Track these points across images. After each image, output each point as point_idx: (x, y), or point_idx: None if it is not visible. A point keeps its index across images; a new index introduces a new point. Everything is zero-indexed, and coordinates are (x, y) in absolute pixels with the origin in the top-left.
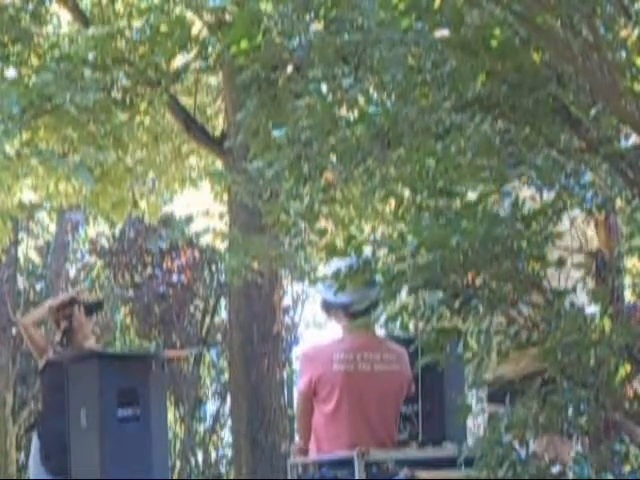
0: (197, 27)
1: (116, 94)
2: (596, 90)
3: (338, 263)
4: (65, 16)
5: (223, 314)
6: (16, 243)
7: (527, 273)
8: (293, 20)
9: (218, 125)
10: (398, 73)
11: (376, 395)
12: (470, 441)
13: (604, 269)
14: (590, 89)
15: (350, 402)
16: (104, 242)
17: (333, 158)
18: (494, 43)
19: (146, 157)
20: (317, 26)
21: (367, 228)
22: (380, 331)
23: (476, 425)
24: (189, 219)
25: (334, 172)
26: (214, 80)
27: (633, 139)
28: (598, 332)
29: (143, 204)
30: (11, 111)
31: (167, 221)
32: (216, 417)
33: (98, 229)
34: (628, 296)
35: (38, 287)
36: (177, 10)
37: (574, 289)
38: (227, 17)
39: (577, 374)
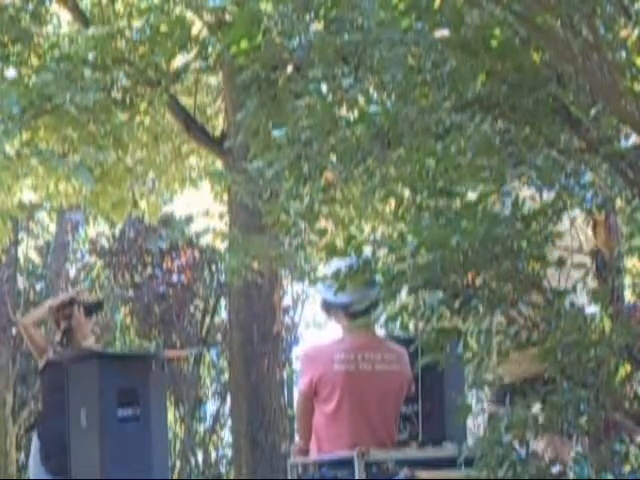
0: (197, 27)
1: (116, 94)
2: (596, 90)
3: (338, 263)
4: (65, 16)
5: (223, 314)
6: (16, 243)
7: (527, 273)
8: (293, 20)
9: (218, 125)
10: (398, 73)
11: (377, 395)
12: (470, 441)
13: (604, 269)
14: (590, 89)
15: (351, 402)
16: (104, 242)
17: (333, 158)
18: (494, 43)
19: (146, 157)
20: (317, 26)
21: (367, 228)
22: (380, 331)
23: (476, 425)
24: (189, 219)
25: (334, 172)
26: (214, 80)
27: (633, 139)
28: (598, 332)
29: (143, 204)
30: (11, 111)
31: (167, 221)
32: (216, 417)
33: (98, 229)
34: (628, 296)
35: (38, 287)
36: (177, 10)
37: (574, 289)
38: (227, 17)
39: (577, 374)
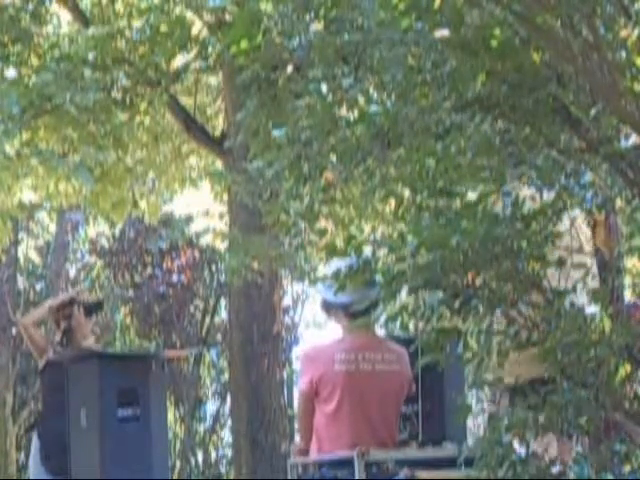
0: (197, 27)
1: (116, 94)
2: (596, 90)
3: (338, 263)
4: (65, 16)
5: (223, 314)
6: (16, 243)
7: (527, 273)
8: (293, 20)
9: (218, 125)
10: (398, 73)
11: (377, 395)
12: (470, 441)
13: (604, 269)
14: (590, 89)
15: (351, 402)
16: (104, 242)
17: (333, 158)
18: (494, 43)
19: (146, 157)
20: (317, 26)
21: (367, 228)
22: (380, 331)
23: (476, 425)
24: (189, 219)
25: (334, 172)
26: (214, 80)
27: (633, 139)
28: (598, 332)
29: (143, 204)
30: (11, 111)
31: (167, 221)
32: (216, 417)
33: (98, 229)
34: (628, 296)
35: (38, 287)
36: (177, 10)
37: (574, 289)
38: (227, 17)
39: (577, 374)
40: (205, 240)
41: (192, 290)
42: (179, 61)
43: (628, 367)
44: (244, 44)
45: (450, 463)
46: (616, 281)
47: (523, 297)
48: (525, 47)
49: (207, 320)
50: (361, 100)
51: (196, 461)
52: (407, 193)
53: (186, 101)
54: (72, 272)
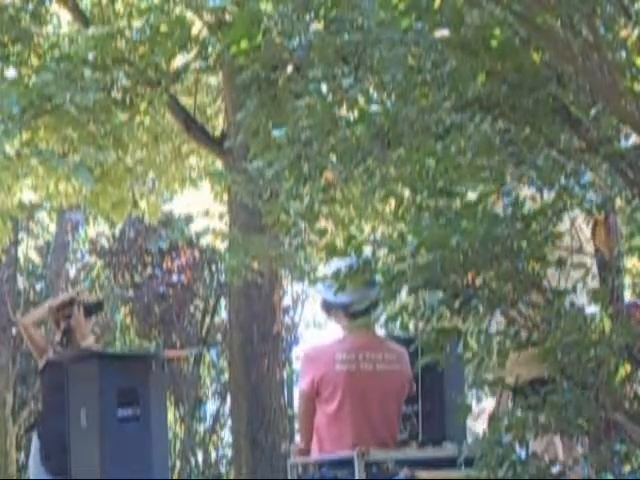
0: (197, 27)
1: (116, 94)
2: (596, 90)
3: (338, 263)
4: (65, 16)
5: (223, 314)
6: (16, 243)
7: (527, 273)
8: (293, 20)
9: (218, 125)
10: (398, 73)
11: (378, 395)
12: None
13: (604, 269)
14: (590, 89)
15: (352, 402)
16: (104, 242)
17: (333, 158)
18: (494, 43)
19: (146, 157)
20: (317, 26)
21: (367, 228)
22: (380, 331)
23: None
24: (189, 219)
25: (334, 172)
26: (214, 80)
27: (633, 139)
28: (598, 332)
29: (143, 204)
30: (11, 111)
31: (167, 221)
32: (216, 417)
33: (98, 229)
34: (628, 296)
35: (38, 287)
36: (177, 10)
37: (574, 289)
38: (227, 17)
39: (577, 374)
40: (205, 240)
41: (192, 290)
42: (179, 61)
43: (628, 367)
44: (244, 44)
45: (450, 463)
46: (616, 281)
47: (523, 297)
48: (525, 47)
49: (207, 320)
50: (361, 100)
51: (196, 461)
52: (407, 193)
53: (186, 101)
54: (72, 272)
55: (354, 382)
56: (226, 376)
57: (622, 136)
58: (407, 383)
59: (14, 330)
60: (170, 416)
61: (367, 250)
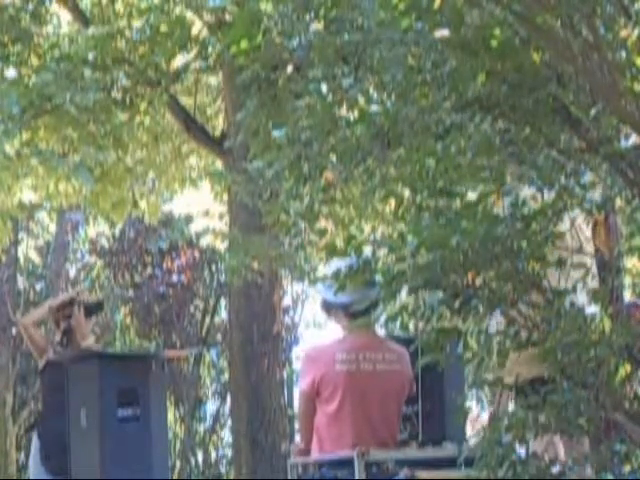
0: (197, 27)
1: (116, 94)
2: (596, 90)
3: (338, 263)
4: (65, 16)
5: (223, 314)
6: (16, 243)
7: (527, 273)
8: (293, 20)
9: (218, 125)
10: (398, 73)
11: (378, 395)
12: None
13: (604, 269)
14: (590, 89)
15: (353, 402)
16: (104, 242)
17: (333, 158)
18: (494, 43)
19: (146, 157)
20: (317, 26)
21: (367, 228)
22: (380, 331)
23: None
24: (189, 219)
25: (334, 172)
26: (214, 80)
27: (633, 139)
28: (598, 332)
29: (143, 204)
30: (11, 111)
31: (167, 221)
32: (216, 417)
33: (98, 229)
34: (628, 296)
35: (38, 287)
36: (177, 10)
37: (574, 289)
38: (227, 17)
39: (577, 374)
40: (205, 240)
41: (192, 290)
42: (179, 61)
43: (628, 367)
44: (244, 44)
45: (450, 463)
46: (616, 281)
47: (523, 297)
48: (525, 47)
49: (207, 320)
50: (361, 100)
51: (196, 461)
52: (407, 193)
53: (186, 101)
54: (72, 272)
55: (354, 382)
56: (226, 376)
57: (622, 136)
58: (407, 383)
59: (14, 330)
60: (170, 416)
61: (367, 250)
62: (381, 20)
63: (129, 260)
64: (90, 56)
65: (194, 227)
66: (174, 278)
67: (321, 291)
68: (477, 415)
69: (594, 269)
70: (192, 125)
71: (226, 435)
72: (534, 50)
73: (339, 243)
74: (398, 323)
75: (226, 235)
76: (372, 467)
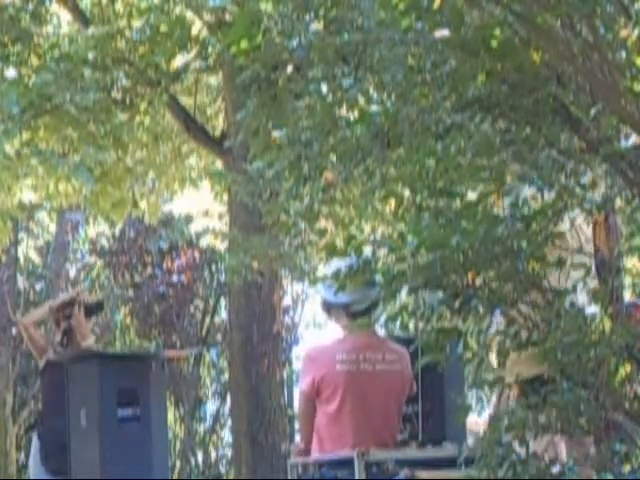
0: (197, 27)
1: (116, 94)
2: (596, 90)
3: (338, 263)
4: (65, 16)
5: (223, 314)
6: (16, 243)
7: (527, 273)
8: (293, 20)
9: (218, 125)
10: (398, 73)
11: (378, 395)
12: (470, 441)
13: (604, 269)
14: (590, 89)
15: (353, 402)
16: (104, 242)
17: (333, 158)
18: (494, 43)
19: (146, 157)
20: (317, 26)
21: (367, 228)
22: (380, 331)
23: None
24: (189, 219)
25: (334, 172)
26: (214, 80)
27: (633, 139)
28: (598, 332)
29: (143, 204)
30: (11, 111)
31: (167, 221)
32: (216, 417)
33: (98, 229)
34: (628, 296)
35: (38, 287)
36: (177, 10)
37: (574, 289)
38: (227, 17)
39: (577, 374)
40: (205, 240)
41: (192, 290)
42: (179, 61)
43: (628, 367)
44: (244, 44)
45: (450, 463)
46: (616, 281)
47: (523, 297)
48: (525, 47)
49: (207, 320)
50: (361, 100)
51: (196, 461)
52: (407, 193)
53: (186, 101)
54: (72, 272)
55: (354, 382)
56: (226, 376)
57: (622, 136)
58: (407, 383)
59: (14, 330)
60: (170, 416)
61: (367, 250)
62: (381, 20)
63: (129, 260)
64: (90, 56)
65: (194, 227)
66: (174, 278)
67: (321, 291)
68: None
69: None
70: (192, 125)
71: (226, 435)
72: (534, 50)
73: (339, 243)
74: (398, 323)
75: (226, 235)
76: (372, 467)
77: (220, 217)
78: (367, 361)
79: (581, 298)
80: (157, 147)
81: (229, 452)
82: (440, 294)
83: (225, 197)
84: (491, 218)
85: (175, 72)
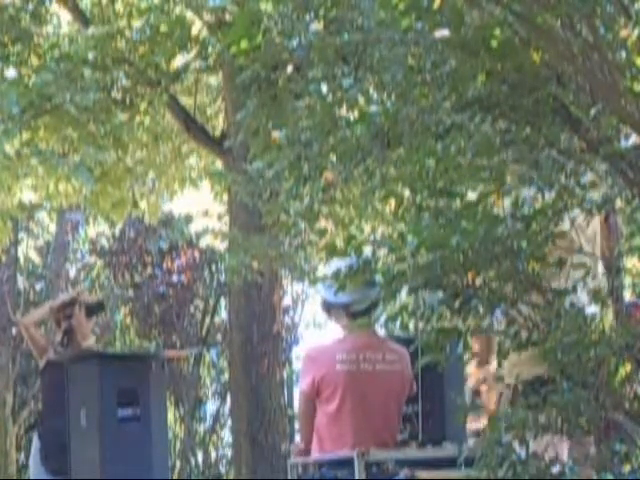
0: (197, 27)
1: (116, 94)
2: (596, 90)
3: (338, 263)
4: (65, 16)
5: (223, 314)
6: (16, 243)
7: (527, 273)
8: (293, 20)
9: (218, 125)
10: (398, 73)
11: (378, 395)
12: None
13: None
14: (590, 89)
15: (353, 401)
16: (104, 242)
17: (333, 158)
18: (494, 43)
19: (146, 157)
20: (317, 26)
21: (367, 228)
22: (380, 331)
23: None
24: (189, 219)
25: (334, 172)
26: (214, 80)
27: (633, 139)
28: (598, 332)
29: (143, 204)
30: (11, 111)
31: (167, 221)
32: (216, 417)
33: (98, 229)
34: (628, 296)
35: (38, 287)
36: (177, 10)
37: (574, 289)
38: (227, 17)
39: (577, 374)
40: (205, 240)
41: (192, 290)
42: (179, 61)
43: (628, 367)
44: (244, 44)
45: (450, 463)
46: (616, 281)
47: (523, 297)
48: (525, 47)
49: (207, 320)
50: (361, 100)
51: (196, 461)
52: (407, 193)
53: (186, 101)
54: (72, 272)
55: (354, 382)
56: (226, 376)
57: (622, 136)
58: (407, 383)
59: (14, 330)
60: (170, 416)
61: (367, 250)
62: (381, 20)
63: (129, 260)
64: (90, 56)
65: (194, 227)
66: (174, 278)
67: (321, 291)
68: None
69: (601, 268)
70: (192, 125)
71: (226, 435)
72: (534, 50)
73: (339, 243)
74: (398, 323)
75: (226, 235)
76: (372, 467)
77: (220, 217)
78: (367, 361)
79: (582, 298)
80: (157, 147)
81: (229, 452)
82: (440, 294)
83: (225, 197)
84: (491, 218)
85: (175, 72)
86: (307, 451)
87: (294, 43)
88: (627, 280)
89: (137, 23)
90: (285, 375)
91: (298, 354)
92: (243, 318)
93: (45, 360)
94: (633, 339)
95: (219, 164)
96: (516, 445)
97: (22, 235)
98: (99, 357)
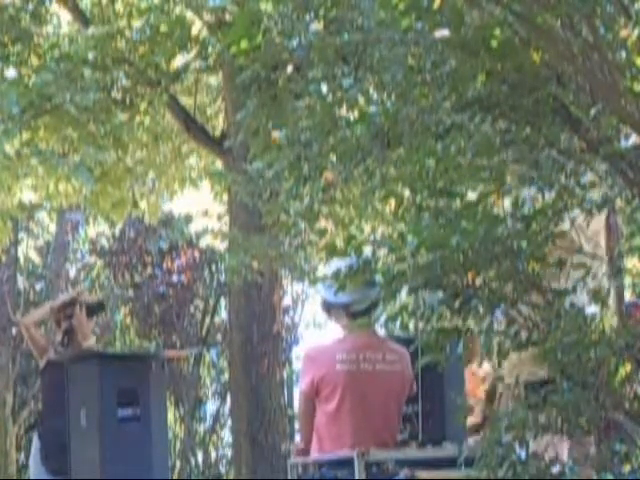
0: (197, 27)
1: (116, 94)
2: (596, 90)
3: (338, 263)
4: (65, 16)
5: (223, 314)
6: (16, 243)
7: (527, 273)
8: (293, 20)
9: (218, 125)
10: (398, 73)
11: (378, 395)
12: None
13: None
14: (590, 89)
15: (352, 402)
16: (104, 242)
17: (333, 158)
18: (494, 43)
19: (146, 157)
20: (317, 26)
21: (367, 228)
22: (380, 331)
23: None
24: (189, 219)
25: (334, 172)
26: (214, 80)
27: (633, 139)
28: (598, 332)
29: (143, 204)
30: (11, 111)
31: (167, 221)
32: (216, 417)
33: (98, 229)
34: (628, 296)
35: (38, 287)
36: (177, 10)
37: (574, 289)
38: (227, 17)
39: (577, 374)
40: (205, 240)
41: (192, 290)
42: (179, 61)
43: (628, 367)
44: (244, 44)
45: (450, 463)
46: (616, 281)
47: (523, 297)
48: (525, 47)
49: (207, 320)
50: (361, 100)
51: (196, 461)
52: (407, 193)
53: (186, 101)
54: (72, 272)
55: (354, 382)
56: (226, 376)
57: (622, 136)
58: (407, 383)
59: (14, 330)
60: (170, 416)
61: (367, 250)
62: (381, 20)
63: (129, 260)
64: (90, 56)
65: (194, 227)
66: (174, 278)
67: (321, 291)
68: None
69: (603, 268)
70: (192, 125)
71: (226, 435)
72: (534, 50)
73: (339, 243)
74: (398, 323)
75: (226, 235)
76: (372, 467)
77: (220, 217)
78: (367, 361)
79: (581, 298)
80: (157, 147)
81: (229, 452)
82: (440, 294)
83: (225, 197)
84: (491, 218)
85: (175, 72)
86: (307, 451)
87: (294, 43)
88: (627, 280)
89: (137, 23)
90: (285, 375)
91: (298, 354)
92: (243, 318)
93: (45, 360)
94: (633, 339)
95: (219, 164)
96: (516, 445)
97: (22, 235)
98: (99, 357)
